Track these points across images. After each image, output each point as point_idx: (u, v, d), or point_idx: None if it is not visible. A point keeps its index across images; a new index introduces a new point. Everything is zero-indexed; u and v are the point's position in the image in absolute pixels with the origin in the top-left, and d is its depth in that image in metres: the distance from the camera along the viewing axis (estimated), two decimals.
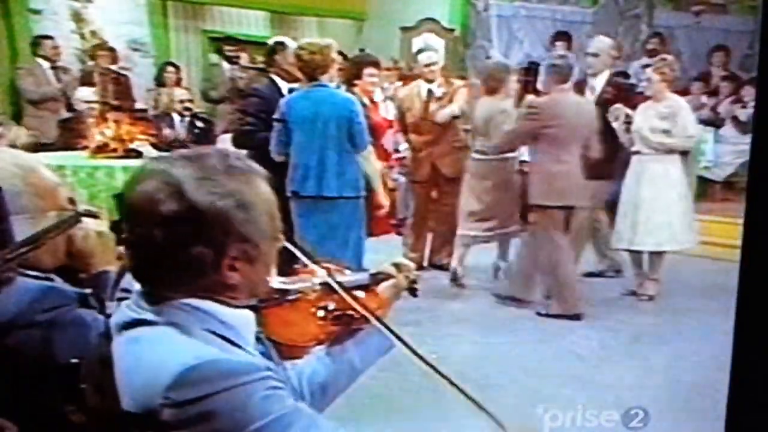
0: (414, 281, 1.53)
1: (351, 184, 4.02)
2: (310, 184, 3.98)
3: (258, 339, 1.23)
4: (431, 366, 1.33)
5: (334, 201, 4.00)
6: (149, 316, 1.11)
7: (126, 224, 1.11)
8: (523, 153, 5.08)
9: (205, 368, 1.03)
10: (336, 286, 1.37)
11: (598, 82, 5.23)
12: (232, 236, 1.09)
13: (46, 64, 6.71)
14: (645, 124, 4.84)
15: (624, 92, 5.13)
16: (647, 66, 5.16)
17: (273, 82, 4.54)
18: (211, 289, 1.12)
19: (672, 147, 4.84)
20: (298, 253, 1.40)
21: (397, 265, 1.53)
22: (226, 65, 7.76)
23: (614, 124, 4.94)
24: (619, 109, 4.96)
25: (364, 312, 1.36)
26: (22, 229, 1.38)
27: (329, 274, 1.40)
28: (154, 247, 1.07)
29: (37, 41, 6.78)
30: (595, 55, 5.23)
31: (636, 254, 5.05)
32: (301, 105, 3.98)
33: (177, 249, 1.07)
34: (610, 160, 5.24)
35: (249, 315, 1.19)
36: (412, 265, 1.57)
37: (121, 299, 1.36)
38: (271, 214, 1.16)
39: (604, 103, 5.09)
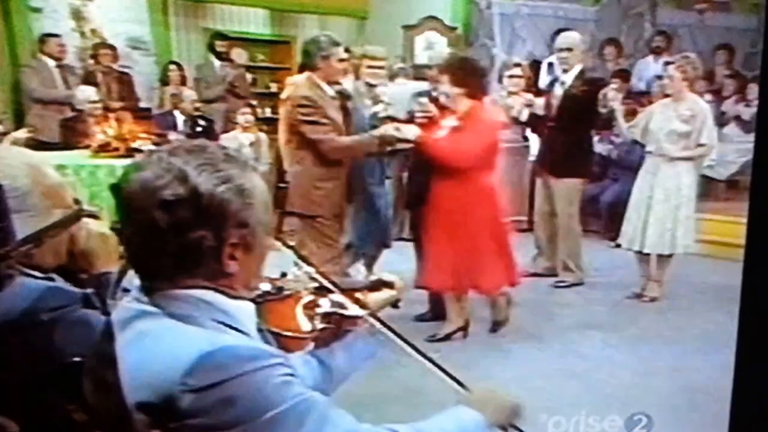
0: (399, 299, 1.61)
1: None
2: None
3: (259, 330, 1.25)
4: (426, 357, 1.42)
5: None
6: (153, 309, 1.12)
7: (123, 213, 1.12)
8: None
9: (222, 353, 1.05)
10: (326, 283, 1.46)
11: (569, 78, 5.19)
12: (232, 221, 1.11)
13: (51, 63, 6.66)
14: (664, 126, 4.75)
15: (594, 86, 5.11)
16: (669, 63, 5.08)
17: None
18: (210, 278, 1.13)
19: (686, 157, 4.75)
20: (294, 254, 1.48)
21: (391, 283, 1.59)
22: (216, 63, 7.67)
23: (603, 110, 4.92)
24: (609, 91, 4.93)
25: (356, 309, 1.43)
26: (27, 226, 1.39)
27: (318, 272, 1.47)
28: (156, 231, 1.08)
29: (43, 39, 6.72)
30: (569, 49, 5.19)
31: (644, 256, 4.99)
32: None
33: (179, 232, 1.08)
34: (579, 157, 5.20)
35: (250, 306, 1.21)
36: (403, 284, 1.61)
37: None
38: (266, 205, 1.18)
39: (572, 98, 5.08)
